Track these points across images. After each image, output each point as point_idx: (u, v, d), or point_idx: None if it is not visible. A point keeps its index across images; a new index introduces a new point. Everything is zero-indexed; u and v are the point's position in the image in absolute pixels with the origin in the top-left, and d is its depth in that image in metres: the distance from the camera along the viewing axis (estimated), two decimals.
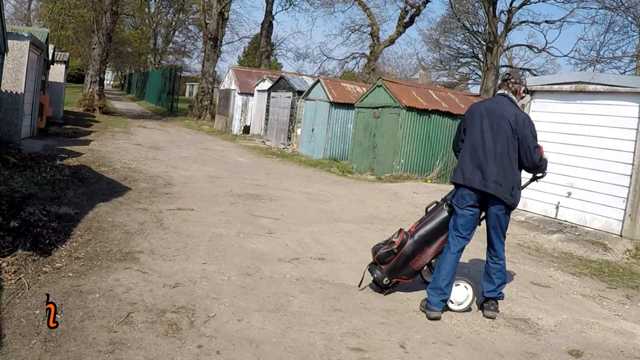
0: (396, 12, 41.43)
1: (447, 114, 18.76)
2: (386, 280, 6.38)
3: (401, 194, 15.07)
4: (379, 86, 19.53)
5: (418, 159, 18.55)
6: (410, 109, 18.10)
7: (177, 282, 6.14)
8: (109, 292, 5.60)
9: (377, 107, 19.32)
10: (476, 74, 43.09)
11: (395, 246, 6.32)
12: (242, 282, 6.37)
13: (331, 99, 21.76)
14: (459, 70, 43.79)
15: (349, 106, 21.83)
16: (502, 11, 37.37)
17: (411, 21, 39.98)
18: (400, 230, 6.50)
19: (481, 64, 39.49)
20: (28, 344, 4.37)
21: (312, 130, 23.01)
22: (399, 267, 6.33)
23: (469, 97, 21.70)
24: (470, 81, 45.31)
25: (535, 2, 36.68)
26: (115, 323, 4.91)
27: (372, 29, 41.48)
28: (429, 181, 17.91)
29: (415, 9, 39.68)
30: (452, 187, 6.40)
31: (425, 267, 6.71)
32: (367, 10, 41.79)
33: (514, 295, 7.03)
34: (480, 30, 40.09)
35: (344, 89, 22.93)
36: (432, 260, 6.51)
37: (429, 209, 6.53)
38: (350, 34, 43.51)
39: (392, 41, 41.26)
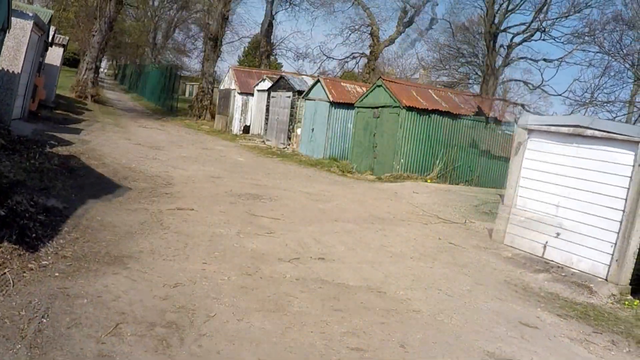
0: (396, 12, 41.18)
1: (447, 114, 18.69)
2: None
3: (401, 194, 14.98)
4: (379, 86, 19.47)
5: (418, 159, 18.47)
6: (410, 108, 18.03)
7: (176, 282, 6.06)
8: (98, 299, 5.37)
9: (377, 107, 19.25)
10: (476, 73, 43.08)
11: None
12: (242, 282, 6.30)
13: (331, 99, 21.69)
14: (460, 70, 43.82)
15: (349, 106, 21.74)
16: (501, 45, 37.84)
17: (411, 21, 39.97)
18: None
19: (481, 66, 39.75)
20: (12, 348, 4.21)
21: (312, 130, 22.95)
22: None
23: (469, 96, 21.62)
24: (470, 80, 45.31)
25: (536, 40, 37.22)
26: (103, 333, 4.71)
27: (372, 28, 41.46)
28: (429, 181, 17.83)
29: (415, 9, 39.69)
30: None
31: None
32: (367, 10, 41.78)
33: (503, 335, 6.84)
34: (478, 63, 40.51)
35: (343, 89, 22.86)
36: None
37: None
38: (350, 34, 43.28)
39: (392, 41, 41.27)
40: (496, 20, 36.66)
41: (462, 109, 19.28)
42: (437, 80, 43.81)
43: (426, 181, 17.80)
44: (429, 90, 20.44)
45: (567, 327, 7.84)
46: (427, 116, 18.35)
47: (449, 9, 63.94)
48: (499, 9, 36.75)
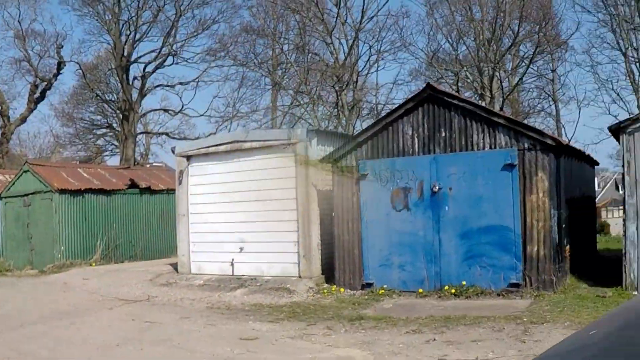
0: (26, 87, 38.94)
1: (101, 191, 18.62)
2: None
3: (72, 283, 14.56)
4: (26, 171, 18.59)
5: (79, 243, 17.96)
6: (62, 191, 17.61)
7: None
8: None
9: (27, 194, 18.38)
10: (113, 144, 42.81)
11: None
12: None
13: None
14: (96, 143, 43.09)
15: None
16: (135, 77, 37.48)
17: (42, 96, 38.45)
18: None
19: (118, 133, 39.34)
20: None
21: None
22: None
23: (120, 170, 21.80)
24: (106, 153, 44.81)
25: (169, 65, 37.59)
26: None
27: (2, 107, 38.90)
28: (93, 264, 17.51)
29: (46, 82, 38.28)
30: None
31: None
32: None
33: (231, 355, 7.38)
34: (114, 99, 39.85)
35: None
36: None
37: None
38: None
39: (23, 119, 39.13)
40: (126, 52, 36.12)
41: (114, 183, 19.38)
42: (75, 155, 42.61)
43: (91, 265, 17.46)
44: (79, 169, 20.14)
45: (284, 329, 8.61)
46: (82, 197, 18.10)
47: (76, 49, 61.42)
48: (127, 40, 36.21)
